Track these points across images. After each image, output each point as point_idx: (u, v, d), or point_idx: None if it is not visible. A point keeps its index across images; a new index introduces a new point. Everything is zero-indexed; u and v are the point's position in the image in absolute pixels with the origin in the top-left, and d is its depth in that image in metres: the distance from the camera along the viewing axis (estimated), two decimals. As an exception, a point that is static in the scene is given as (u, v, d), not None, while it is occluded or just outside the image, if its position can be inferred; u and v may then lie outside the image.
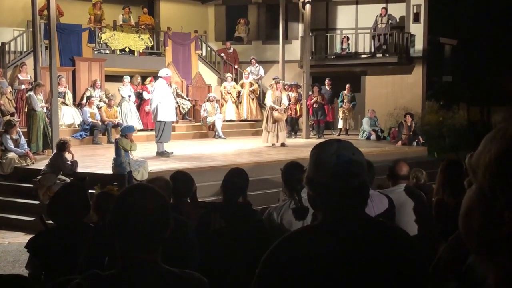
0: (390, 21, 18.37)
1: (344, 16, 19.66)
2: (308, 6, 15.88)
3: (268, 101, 13.13)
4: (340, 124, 16.83)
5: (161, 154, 11.07)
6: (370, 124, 15.84)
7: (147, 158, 9.81)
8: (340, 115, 16.79)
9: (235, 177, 3.88)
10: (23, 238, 7.54)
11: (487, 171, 0.82)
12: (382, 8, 18.55)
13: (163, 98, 11.02)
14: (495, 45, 21.70)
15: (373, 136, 15.52)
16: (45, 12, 12.98)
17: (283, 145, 13.15)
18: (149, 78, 15.32)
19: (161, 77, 11.18)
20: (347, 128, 16.73)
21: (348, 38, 18.82)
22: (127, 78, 14.83)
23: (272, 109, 12.96)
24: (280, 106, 13.04)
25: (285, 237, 1.73)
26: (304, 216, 3.35)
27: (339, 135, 16.29)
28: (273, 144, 13.13)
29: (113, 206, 1.75)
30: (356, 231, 1.63)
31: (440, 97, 18.01)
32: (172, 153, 11.32)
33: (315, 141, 14.53)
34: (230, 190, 3.81)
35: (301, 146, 13.16)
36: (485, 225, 0.82)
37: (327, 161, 1.67)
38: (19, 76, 13.72)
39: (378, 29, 18.44)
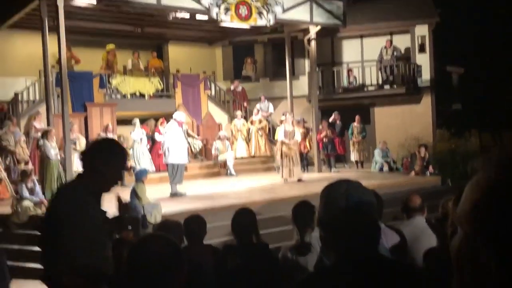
0: (395, 53, 18.54)
1: (350, 50, 19.89)
2: (313, 43, 16.11)
3: (280, 136, 13.15)
4: (354, 157, 16.78)
5: (175, 195, 11.11)
6: (382, 155, 15.79)
7: (160, 199, 9.84)
8: (351, 147, 16.79)
9: (241, 219, 3.89)
10: (40, 287, 7.53)
11: (467, 221, 0.85)
12: (387, 40, 18.77)
13: (175, 140, 11.12)
14: (503, 70, 21.73)
15: (385, 168, 15.44)
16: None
17: (299, 180, 13.09)
18: (160, 120, 15.51)
19: (175, 119, 11.34)
20: (362, 160, 16.68)
21: (352, 71, 19.01)
22: (136, 121, 14.99)
23: (283, 143, 12.98)
24: (291, 140, 13.02)
25: (301, 281, 1.74)
26: (306, 252, 3.37)
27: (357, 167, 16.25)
28: (286, 180, 13.08)
29: (126, 258, 1.78)
30: (369, 272, 1.64)
31: (451, 125, 17.99)
32: (185, 193, 11.35)
33: (328, 175, 14.53)
34: (240, 232, 3.81)
35: (315, 181, 13.12)
36: (475, 275, 0.84)
37: (337, 202, 1.69)
38: (35, 124, 13.91)
39: (384, 61, 18.61)
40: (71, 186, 2.82)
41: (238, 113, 17.54)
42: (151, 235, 2.25)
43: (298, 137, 13.33)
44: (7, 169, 12.55)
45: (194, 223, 4.21)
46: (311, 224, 3.77)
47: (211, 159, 16.12)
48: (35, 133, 13.64)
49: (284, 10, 14.18)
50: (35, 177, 10.56)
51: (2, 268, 3.92)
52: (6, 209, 10.11)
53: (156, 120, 15.98)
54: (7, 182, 11.98)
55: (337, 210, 1.67)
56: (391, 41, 18.78)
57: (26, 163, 12.74)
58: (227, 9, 13.06)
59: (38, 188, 10.25)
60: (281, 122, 15.88)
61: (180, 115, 11.77)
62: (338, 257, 1.70)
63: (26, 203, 9.76)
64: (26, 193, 9.86)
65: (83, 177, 2.74)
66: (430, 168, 14.16)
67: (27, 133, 13.99)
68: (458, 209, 0.90)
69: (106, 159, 2.68)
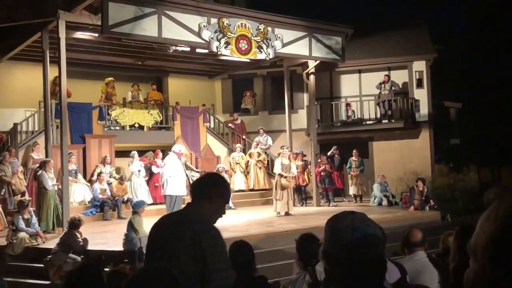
0: (393, 88, 18.69)
1: (348, 84, 20.04)
2: (312, 77, 16.24)
3: (277, 169, 13.15)
4: (352, 191, 16.70)
5: (172, 228, 10.98)
6: (381, 189, 15.71)
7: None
8: (350, 181, 16.74)
9: (238, 252, 3.85)
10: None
11: (485, 252, 0.83)
12: (385, 75, 18.94)
13: (174, 172, 11.08)
14: (500, 105, 21.90)
15: (384, 202, 15.35)
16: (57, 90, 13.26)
17: (287, 214, 13.03)
18: (155, 151, 15.51)
19: (174, 151, 11.32)
20: (360, 194, 16.58)
21: (351, 105, 19.11)
22: (135, 154, 14.95)
23: (281, 176, 12.96)
24: (289, 174, 13.04)
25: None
26: None
27: (355, 201, 16.18)
28: (285, 213, 13.01)
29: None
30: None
31: (449, 159, 18.01)
32: (183, 226, 11.23)
33: (326, 209, 14.44)
34: (237, 265, 3.75)
35: (313, 214, 13.04)
36: None
37: (342, 234, 1.65)
38: (33, 155, 13.87)
39: (382, 96, 18.74)
40: (183, 217, 2.83)
41: (238, 146, 17.55)
42: (148, 267, 2.19)
43: (294, 170, 13.34)
44: (3, 200, 12.45)
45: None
46: (316, 257, 3.70)
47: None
48: (33, 164, 13.57)
49: (284, 45, 14.33)
50: (31, 208, 10.46)
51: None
52: (0, 241, 9.99)
53: (154, 152, 15.96)
54: (1, 213, 11.87)
55: (342, 243, 1.63)
56: (389, 76, 18.96)
57: (22, 194, 12.64)
58: (227, 43, 13.19)
59: (34, 219, 10.14)
60: (279, 154, 15.95)
61: (179, 147, 11.78)
62: (343, 291, 1.65)
63: (22, 234, 9.64)
64: (22, 224, 9.75)
65: (195, 207, 2.81)
66: (431, 202, 14.08)
67: (25, 164, 13.93)
68: (472, 241, 0.88)
69: (221, 193, 2.86)
